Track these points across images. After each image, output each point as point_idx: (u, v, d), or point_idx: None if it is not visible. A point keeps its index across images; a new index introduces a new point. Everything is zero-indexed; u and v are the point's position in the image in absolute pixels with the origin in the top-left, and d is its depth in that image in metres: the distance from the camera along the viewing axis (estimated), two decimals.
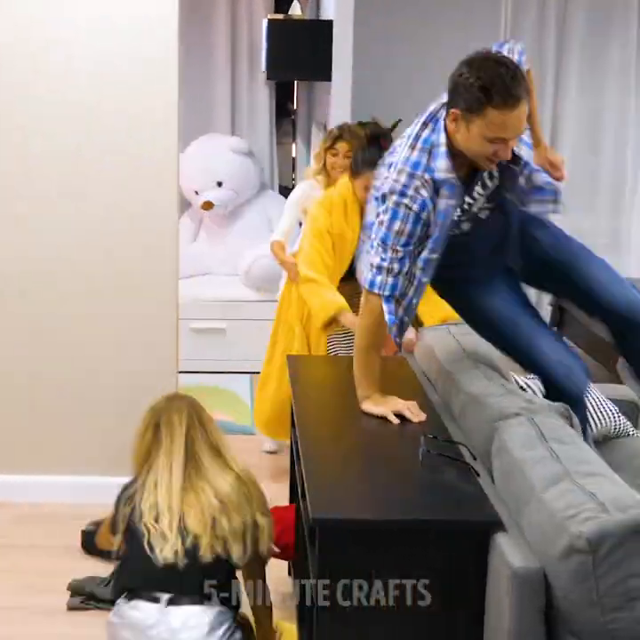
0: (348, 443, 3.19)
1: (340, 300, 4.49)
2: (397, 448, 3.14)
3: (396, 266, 3.14)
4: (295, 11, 6.19)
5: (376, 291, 3.19)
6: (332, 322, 4.47)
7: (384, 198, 3.13)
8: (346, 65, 5.72)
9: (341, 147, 4.99)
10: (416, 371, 4.00)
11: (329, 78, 5.74)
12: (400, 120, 7.20)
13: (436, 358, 3.84)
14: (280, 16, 5.97)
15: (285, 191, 7.84)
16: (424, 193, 3.08)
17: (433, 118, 3.15)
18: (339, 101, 5.74)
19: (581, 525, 2.40)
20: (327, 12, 6.13)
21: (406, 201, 3.08)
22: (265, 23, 5.99)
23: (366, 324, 3.30)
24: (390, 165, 3.13)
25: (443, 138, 3.09)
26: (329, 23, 5.73)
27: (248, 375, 6.57)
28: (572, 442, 2.90)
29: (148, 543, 3.08)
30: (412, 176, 3.08)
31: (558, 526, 2.46)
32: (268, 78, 6.04)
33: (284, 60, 5.78)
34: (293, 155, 7.94)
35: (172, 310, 4.62)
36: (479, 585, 2.66)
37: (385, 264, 3.14)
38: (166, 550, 3.06)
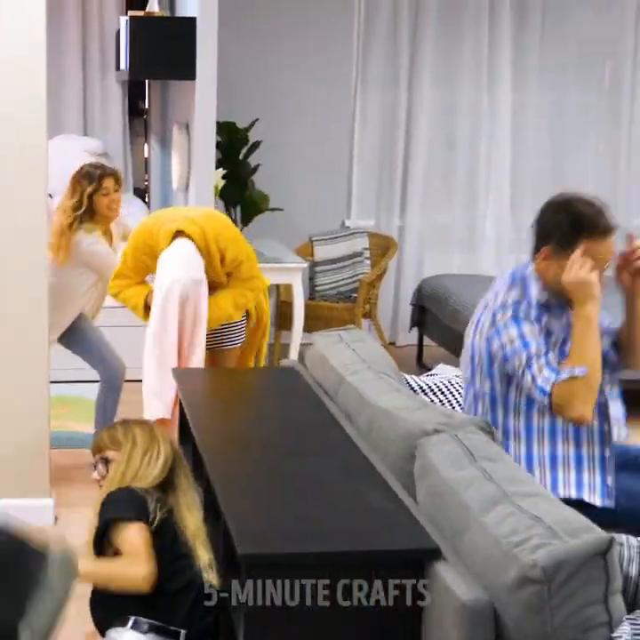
0: (258, 462, 2.97)
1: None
2: (312, 465, 2.94)
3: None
4: (153, 7, 5.91)
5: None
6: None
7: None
8: (210, 63, 5.50)
9: (108, 182, 4.81)
10: (309, 381, 3.81)
11: (192, 77, 5.50)
12: (257, 119, 7.04)
13: (333, 368, 3.65)
14: (141, 13, 5.68)
15: (138, 192, 7.57)
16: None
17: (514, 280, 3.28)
18: (203, 101, 5.50)
19: (532, 553, 2.25)
20: (185, 9, 5.88)
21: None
22: (123, 20, 5.69)
23: None
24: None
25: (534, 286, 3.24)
26: (192, 20, 5.48)
27: None
28: (501, 459, 2.75)
29: None
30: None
31: (506, 555, 2.30)
32: (129, 77, 5.76)
33: (145, 58, 5.50)
34: (146, 155, 7.69)
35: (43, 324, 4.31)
36: (415, 618, 2.48)
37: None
38: None
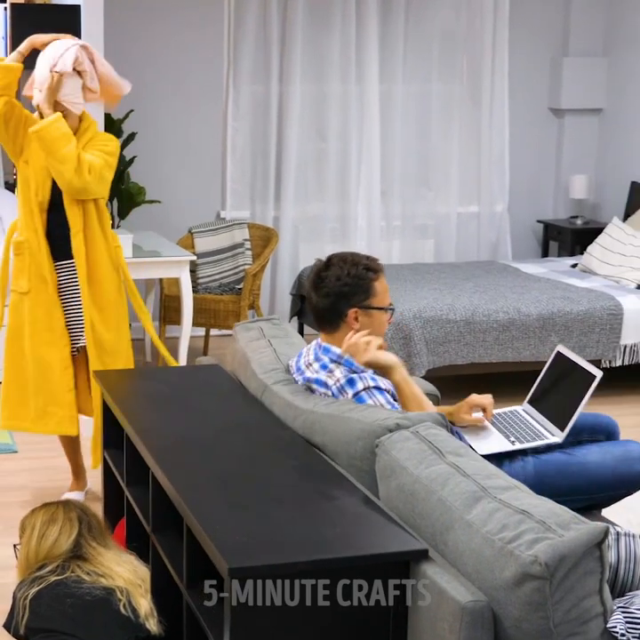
0: (216, 467, 2.86)
1: None
2: (271, 468, 2.86)
3: None
4: None
5: None
6: None
7: None
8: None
9: None
10: (235, 380, 3.72)
11: None
12: (132, 110, 6.86)
13: (254, 373, 3.56)
14: (21, 0, 5.43)
15: (9, 185, 7.29)
16: None
17: None
18: None
19: (529, 549, 2.23)
20: None
21: None
22: (1, 8, 5.43)
23: None
24: None
25: None
26: (76, 8, 5.27)
27: None
28: (467, 453, 2.73)
29: None
30: None
31: (501, 552, 2.28)
32: None
33: None
34: None
35: None
36: (400, 622, 2.44)
37: None
38: None
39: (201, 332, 7.01)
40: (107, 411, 3.65)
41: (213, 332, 7.16)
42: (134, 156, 6.85)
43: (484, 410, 3.63)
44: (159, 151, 7.30)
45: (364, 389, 3.22)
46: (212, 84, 7.39)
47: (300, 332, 7.14)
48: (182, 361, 6.03)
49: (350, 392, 3.22)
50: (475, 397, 3.60)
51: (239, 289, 6.67)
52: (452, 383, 6.07)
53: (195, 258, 6.17)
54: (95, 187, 4.17)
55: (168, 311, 6.47)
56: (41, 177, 4.22)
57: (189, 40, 7.29)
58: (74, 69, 4.15)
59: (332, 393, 3.24)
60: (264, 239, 6.88)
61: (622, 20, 8.03)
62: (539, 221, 8.31)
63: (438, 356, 6.03)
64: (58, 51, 4.15)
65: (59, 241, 4.31)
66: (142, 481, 3.25)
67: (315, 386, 3.30)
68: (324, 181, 7.68)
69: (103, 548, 3.16)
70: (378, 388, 3.24)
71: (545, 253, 8.31)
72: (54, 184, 4.23)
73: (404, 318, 5.94)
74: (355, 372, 3.27)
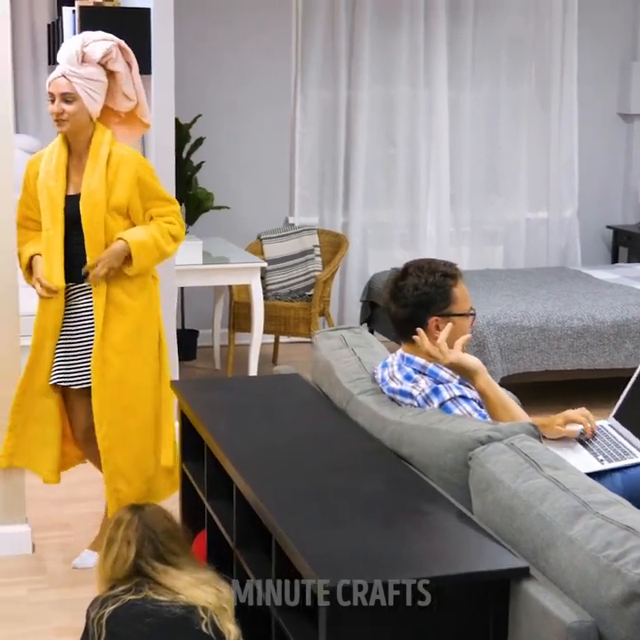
0: (301, 478, 2.81)
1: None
2: (359, 480, 2.80)
3: None
4: None
5: None
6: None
7: None
8: (168, 57, 5.27)
9: None
10: (317, 389, 3.66)
11: (147, 71, 5.27)
12: (200, 115, 6.85)
13: (339, 382, 3.50)
14: (89, 2, 5.42)
15: None
16: None
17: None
18: (161, 96, 5.28)
19: (637, 567, 2.15)
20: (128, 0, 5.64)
21: None
22: (69, 11, 5.43)
23: None
24: None
25: None
26: (146, 11, 5.25)
27: None
28: (565, 467, 2.65)
29: None
30: None
31: (606, 570, 2.20)
32: None
33: None
34: None
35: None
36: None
37: None
38: None
39: (269, 339, 6.95)
40: (185, 422, 3.60)
41: (282, 339, 7.10)
42: (202, 162, 6.83)
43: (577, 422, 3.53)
44: (227, 156, 7.28)
45: (451, 399, 3.15)
46: (279, 89, 7.35)
47: None
48: (253, 369, 5.97)
49: (436, 402, 3.15)
50: (571, 413, 3.50)
51: (309, 296, 6.62)
52: (528, 391, 5.96)
53: (266, 264, 6.12)
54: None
55: (237, 318, 6.44)
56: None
57: (257, 45, 7.26)
58: (100, 64, 3.97)
59: (418, 403, 3.17)
60: (334, 245, 6.82)
61: None
62: (608, 227, 8.18)
63: (512, 364, 5.94)
64: (94, 36, 3.99)
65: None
66: (224, 494, 3.19)
67: (399, 397, 3.24)
68: (393, 187, 7.62)
69: (176, 568, 2.96)
70: (464, 396, 3.17)
71: (614, 259, 8.17)
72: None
73: (478, 325, 5.85)
74: (440, 382, 3.20)
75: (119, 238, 3.88)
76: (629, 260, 8.06)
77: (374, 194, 7.58)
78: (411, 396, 3.20)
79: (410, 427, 3.02)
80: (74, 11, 5.44)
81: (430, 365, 3.22)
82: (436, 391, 3.15)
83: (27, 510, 4.26)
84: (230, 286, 6.49)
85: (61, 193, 3.94)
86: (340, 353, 3.67)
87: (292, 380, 3.73)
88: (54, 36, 6.40)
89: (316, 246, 6.83)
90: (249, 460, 2.95)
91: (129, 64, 4.15)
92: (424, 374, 3.23)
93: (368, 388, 3.38)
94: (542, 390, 6.08)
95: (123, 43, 4.12)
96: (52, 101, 3.95)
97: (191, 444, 3.59)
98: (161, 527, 3.04)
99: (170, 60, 5.29)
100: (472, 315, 3.29)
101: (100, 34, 4.06)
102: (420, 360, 3.24)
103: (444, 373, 3.21)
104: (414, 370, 3.25)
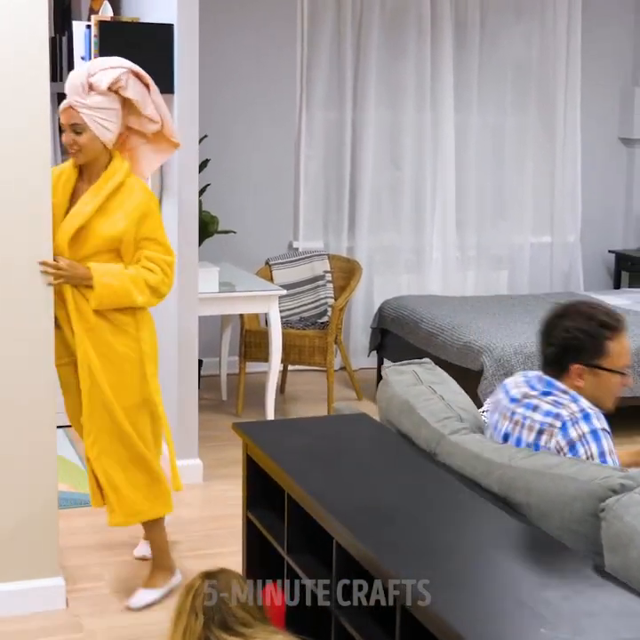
0: (417, 538, 2.58)
1: None
2: (479, 538, 2.58)
3: None
4: (106, 12, 5.40)
5: None
6: None
7: None
8: (192, 76, 5.04)
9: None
10: (392, 430, 3.44)
11: (170, 90, 5.03)
12: (205, 136, 6.62)
13: (424, 421, 3.27)
14: (107, 17, 5.16)
15: None
16: None
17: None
18: (185, 116, 5.04)
19: None
20: (145, 16, 5.40)
21: None
22: (81, 26, 5.16)
23: None
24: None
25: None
26: (169, 27, 5.01)
27: (60, 429, 5.70)
28: None
29: None
30: None
31: None
32: None
33: None
34: None
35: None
36: None
37: None
38: None
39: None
40: (252, 467, 3.34)
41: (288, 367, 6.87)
42: (207, 184, 6.60)
43: None
44: (231, 179, 7.05)
45: (602, 429, 2.96)
46: (285, 111, 7.15)
47: (379, 367, 6.87)
48: (270, 401, 5.72)
49: (585, 428, 2.94)
50: None
51: (321, 323, 6.40)
52: None
53: (285, 291, 5.89)
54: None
55: (249, 347, 6.19)
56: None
57: (262, 66, 7.06)
58: (110, 89, 3.81)
59: (563, 424, 2.95)
60: (345, 271, 6.61)
61: None
62: (610, 251, 8.07)
63: None
64: (101, 64, 3.85)
65: None
66: (307, 548, 2.96)
67: (538, 416, 3.01)
68: (399, 211, 7.45)
69: (245, 639, 2.70)
70: (606, 430, 2.99)
71: (617, 284, 8.06)
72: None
73: (505, 354, 5.68)
74: (584, 410, 2.99)
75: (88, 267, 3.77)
76: (630, 285, 7.95)
77: (380, 218, 7.40)
78: (557, 416, 2.97)
79: (524, 471, 2.81)
80: (88, 25, 5.16)
81: (571, 391, 3.03)
82: (586, 417, 2.95)
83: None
84: (241, 315, 6.24)
85: (61, 213, 3.81)
86: (417, 390, 3.45)
87: (362, 421, 3.50)
88: (57, 52, 6.12)
89: (327, 272, 6.62)
90: (346, 513, 2.70)
91: (147, 86, 3.99)
92: (570, 398, 3.02)
93: (459, 428, 3.17)
94: None
95: (136, 68, 3.95)
96: (64, 131, 3.84)
97: (259, 491, 3.34)
98: (231, 596, 2.81)
99: (194, 79, 5.07)
100: (623, 374, 3.07)
101: (108, 61, 3.90)
102: (560, 385, 3.04)
103: (585, 402, 3.02)
104: (560, 391, 3.03)
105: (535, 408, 3.02)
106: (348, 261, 6.71)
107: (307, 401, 6.55)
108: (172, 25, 5.05)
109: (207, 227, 6.58)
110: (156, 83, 5.01)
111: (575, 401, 2.98)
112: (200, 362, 6.80)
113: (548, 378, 3.06)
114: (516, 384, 3.15)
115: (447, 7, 7.30)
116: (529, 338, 5.83)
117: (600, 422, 2.95)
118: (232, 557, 3.81)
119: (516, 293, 7.58)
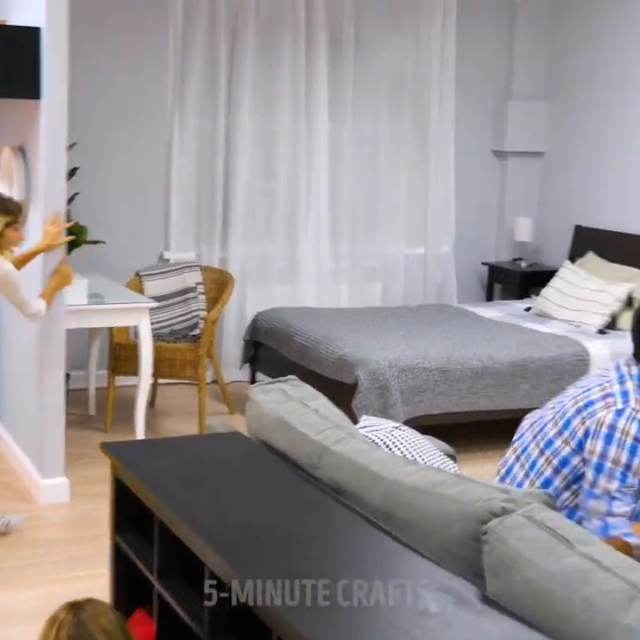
0: (295, 566, 2.49)
1: None
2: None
3: None
4: None
5: None
6: None
7: None
8: (60, 82, 4.86)
9: (21, 217, 4.70)
10: (264, 448, 3.34)
11: (36, 96, 4.85)
12: (75, 143, 6.42)
13: (303, 435, 3.18)
14: None
15: None
16: None
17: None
18: (53, 122, 4.85)
19: None
20: (17, 17, 5.19)
21: None
22: None
23: None
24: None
25: None
26: (35, 31, 4.82)
27: None
28: (593, 541, 2.42)
29: None
30: None
31: None
32: None
33: None
34: None
35: None
36: None
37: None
38: None
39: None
40: (119, 490, 3.20)
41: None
42: (76, 193, 6.40)
43: None
44: (101, 188, 6.87)
45: None
46: (156, 118, 7.00)
47: (252, 380, 6.78)
48: (140, 416, 5.55)
49: (635, 430, 3.12)
50: None
51: (193, 336, 6.26)
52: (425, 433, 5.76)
53: (156, 304, 5.74)
54: None
55: (118, 360, 6.02)
56: None
57: (135, 72, 6.90)
58: None
59: (622, 411, 3.13)
60: (218, 282, 6.48)
61: (563, 65, 7.96)
62: (483, 263, 8.13)
63: (413, 407, 5.73)
64: None
65: None
66: (178, 574, 2.84)
67: (616, 386, 3.19)
68: (273, 221, 7.36)
69: None
70: None
71: (489, 296, 8.12)
72: None
73: (379, 367, 5.63)
74: None
75: None
76: (502, 297, 8.02)
77: (253, 228, 7.30)
78: (625, 400, 3.16)
79: (406, 487, 2.73)
80: None
81: None
82: None
83: None
84: (110, 328, 6.06)
85: None
86: (288, 406, 3.36)
87: (235, 440, 3.39)
88: None
89: (198, 284, 6.48)
90: (219, 538, 2.60)
91: None
92: None
93: (341, 436, 3.07)
94: (439, 433, 5.88)
95: None
96: None
97: (128, 513, 3.20)
98: (97, 628, 2.67)
99: (63, 84, 4.89)
100: None
101: None
102: None
103: None
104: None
105: (622, 382, 3.19)
106: (220, 273, 6.59)
107: (178, 415, 6.41)
108: (39, 28, 4.87)
109: (76, 237, 6.38)
110: (22, 87, 4.88)
111: None
112: (67, 375, 6.59)
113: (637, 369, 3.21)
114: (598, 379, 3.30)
115: (322, 16, 7.25)
116: (404, 351, 5.80)
117: None
118: (101, 580, 3.65)
119: (389, 305, 7.56)
